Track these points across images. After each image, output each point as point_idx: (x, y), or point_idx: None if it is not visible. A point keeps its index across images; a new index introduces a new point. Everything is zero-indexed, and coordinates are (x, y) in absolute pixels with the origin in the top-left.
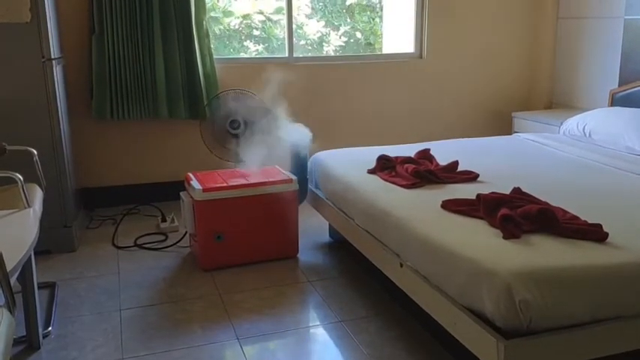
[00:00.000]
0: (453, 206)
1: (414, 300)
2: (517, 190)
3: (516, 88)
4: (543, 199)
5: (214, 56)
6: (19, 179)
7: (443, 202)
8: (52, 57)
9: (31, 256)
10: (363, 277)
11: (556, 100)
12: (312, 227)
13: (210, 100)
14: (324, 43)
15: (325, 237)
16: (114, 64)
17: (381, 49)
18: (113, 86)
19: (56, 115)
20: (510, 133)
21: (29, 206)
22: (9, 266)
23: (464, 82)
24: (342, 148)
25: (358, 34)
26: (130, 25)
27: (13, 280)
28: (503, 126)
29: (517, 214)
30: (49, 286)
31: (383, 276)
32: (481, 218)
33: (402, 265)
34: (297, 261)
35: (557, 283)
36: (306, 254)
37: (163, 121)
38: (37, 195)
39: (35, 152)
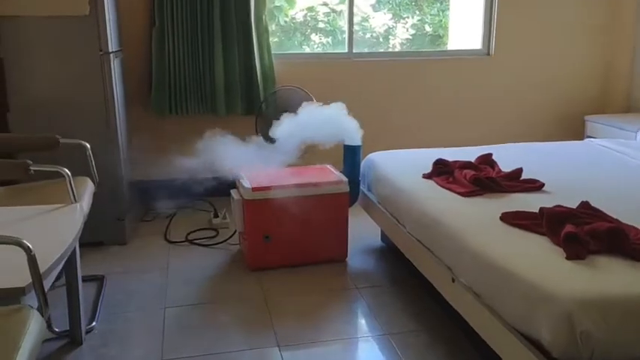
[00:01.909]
0: (512, 219)
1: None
2: (585, 205)
3: (591, 90)
4: (614, 216)
5: (273, 52)
6: (67, 174)
7: (502, 214)
8: (110, 50)
9: (75, 249)
10: (414, 287)
11: (635, 104)
12: (364, 230)
13: (267, 96)
14: (390, 37)
15: (377, 241)
16: (173, 58)
17: (446, 44)
18: (172, 81)
19: (112, 108)
20: (582, 138)
21: (76, 201)
22: (44, 266)
23: (533, 82)
24: (398, 149)
25: (427, 27)
26: (190, 19)
27: (51, 279)
28: (574, 130)
29: (583, 231)
30: (98, 280)
31: (435, 288)
32: (543, 234)
33: (454, 281)
34: (346, 265)
35: (625, 314)
36: (356, 259)
37: (221, 117)
38: (88, 189)
39: (88, 146)
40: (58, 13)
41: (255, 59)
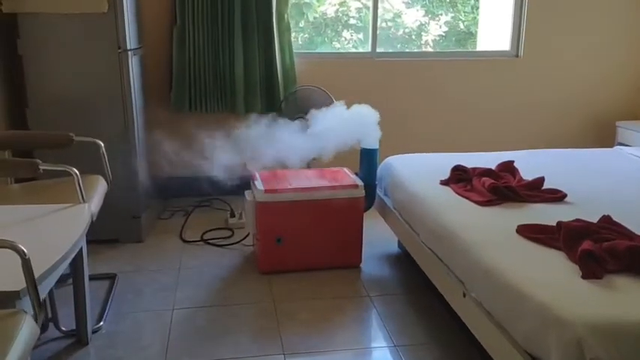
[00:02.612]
0: (528, 232)
1: None
2: (606, 219)
3: (623, 95)
4: (637, 232)
5: (297, 50)
6: (75, 173)
7: (518, 226)
8: (129, 48)
9: (82, 249)
10: (428, 297)
11: None
12: (380, 236)
13: (287, 95)
14: (422, 33)
15: (393, 247)
16: (194, 56)
17: (476, 42)
18: (192, 78)
19: (130, 106)
20: (613, 145)
21: (84, 201)
22: (40, 270)
23: (563, 85)
24: (420, 152)
25: (461, 25)
26: (211, 18)
27: (49, 283)
28: (605, 136)
29: (601, 249)
30: (110, 278)
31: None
32: (560, 249)
33: (465, 295)
34: (360, 271)
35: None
36: (370, 265)
37: (240, 115)
38: (99, 188)
39: (102, 144)
40: (77, 10)
41: (276, 58)
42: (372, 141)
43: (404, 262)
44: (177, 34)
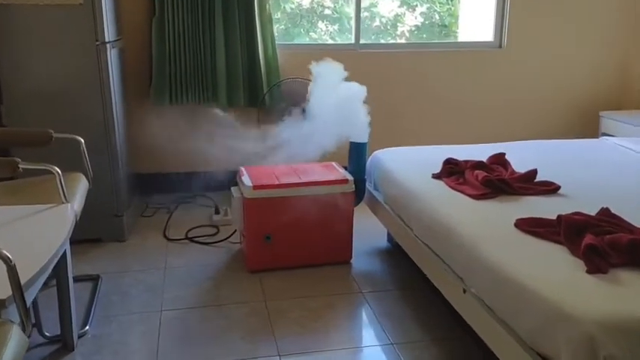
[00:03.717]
0: (527, 226)
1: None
2: (605, 212)
3: (606, 85)
4: (636, 224)
5: (278, 41)
6: (57, 172)
7: (517, 220)
8: (107, 40)
9: (66, 252)
10: (422, 292)
11: None
12: (369, 230)
13: (271, 87)
14: (398, 24)
15: (383, 241)
16: (174, 49)
17: (456, 33)
18: (172, 71)
19: (109, 100)
20: (597, 135)
21: (67, 201)
22: (26, 276)
23: (546, 76)
24: (405, 145)
25: (436, 16)
26: (191, 8)
27: (35, 289)
28: (588, 126)
29: (603, 242)
30: (93, 280)
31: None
32: (560, 243)
33: (465, 291)
34: (350, 267)
35: None
36: (361, 260)
37: (223, 108)
38: (81, 187)
39: (82, 141)
40: (52, 1)
41: (258, 49)
42: (362, 134)
43: (394, 256)
44: (156, 25)
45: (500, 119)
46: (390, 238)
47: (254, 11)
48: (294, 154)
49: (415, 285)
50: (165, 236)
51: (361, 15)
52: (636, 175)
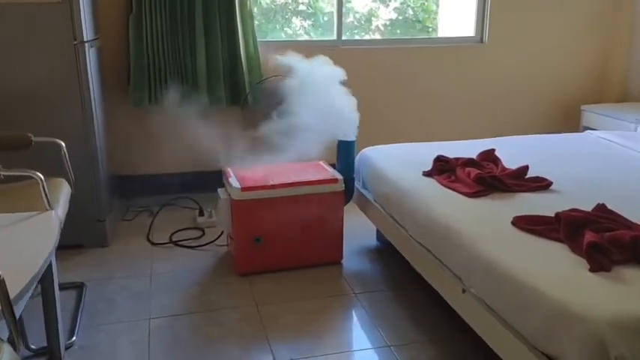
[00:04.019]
0: (526, 224)
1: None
2: (601, 208)
3: (586, 79)
4: (631, 219)
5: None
6: (40, 179)
7: (514, 218)
8: (85, 39)
9: (51, 262)
10: (416, 292)
11: (630, 93)
12: (358, 228)
13: (255, 86)
14: (372, 18)
15: (372, 240)
16: (152, 47)
17: (433, 27)
18: (151, 70)
19: (89, 101)
20: (578, 128)
21: (51, 208)
22: (15, 290)
23: (528, 70)
24: (391, 142)
25: (410, 11)
26: (169, 4)
27: (23, 302)
28: (570, 120)
29: (604, 239)
30: (77, 287)
31: (440, 294)
32: (559, 241)
33: (464, 291)
34: (341, 268)
35: None
36: (351, 260)
37: (204, 108)
38: (63, 192)
39: (63, 144)
40: None
41: (239, 47)
42: (351, 132)
43: (384, 255)
44: (133, 23)
45: (483, 114)
46: (379, 237)
47: (234, 7)
48: (279, 154)
49: (407, 284)
50: (149, 240)
51: (328, 10)
52: (625, 169)
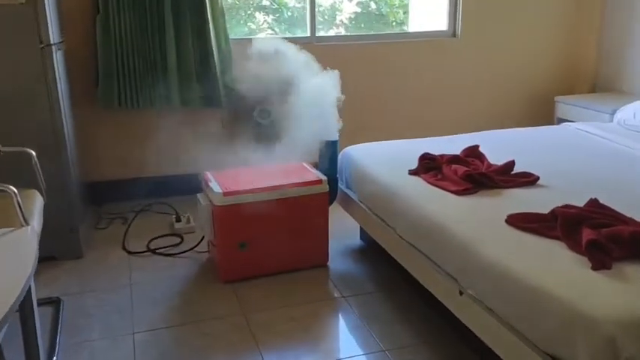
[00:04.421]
0: (521, 222)
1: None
2: (594, 203)
3: (558, 71)
4: (626, 214)
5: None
6: (14, 192)
7: (508, 217)
8: (52, 42)
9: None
10: (404, 293)
11: (600, 84)
12: (341, 229)
13: (229, 85)
14: (337, 12)
15: (356, 240)
16: (120, 48)
17: (397, 21)
18: (120, 71)
19: (58, 107)
20: (552, 119)
21: (27, 224)
22: None
23: (501, 63)
24: (368, 139)
25: (373, 5)
26: (137, 4)
27: (4, 330)
28: (544, 112)
29: (602, 235)
30: (54, 303)
31: (428, 290)
32: (555, 238)
33: (461, 293)
34: (328, 270)
35: None
36: (337, 262)
37: (176, 110)
38: (37, 204)
39: (34, 154)
40: None
41: (212, 45)
42: (333, 131)
43: (369, 255)
44: (100, 23)
45: (457, 108)
46: (363, 237)
47: (205, 4)
48: (258, 155)
49: (395, 285)
50: (125, 249)
51: (293, 5)
52: (607, 161)
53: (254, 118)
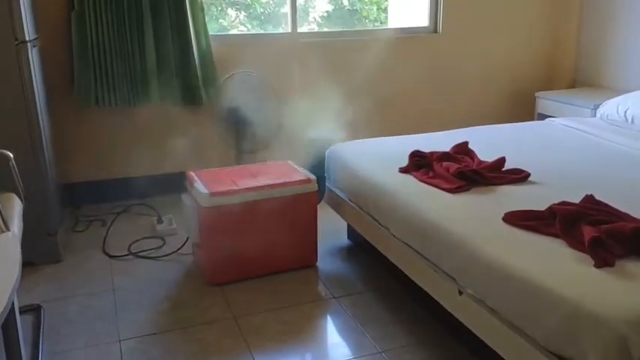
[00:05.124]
0: (518, 220)
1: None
2: (590, 199)
3: (538, 66)
4: (621, 209)
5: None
6: None
7: (505, 215)
8: (27, 39)
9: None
10: (395, 292)
11: (580, 78)
12: (328, 228)
13: (210, 83)
14: (310, 9)
15: (343, 239)
16: (97, 44)
17: (370, 18)
18: (97, 69)
19: (34, 106)
20: (533, 115)
21: (7, 229)
22: None
23: (482, 60)
24: (352, 137)
25: (345, 1)
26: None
27: None
28: (524, 107)
29: (602, 232)
30: (34, 310)
31: (420, 289)
32: (554, 235)
33: (461, 293)
34: (317, 271)
35: None
36: (326, 262)
37: (156, 108)
38: (16, 208)
39: (11, 156)
40: None
41: (191, 42)
42: (320, 129)
43: (358, 254)
44: (76, 20)
45: (439, 104)
46: (350, 235)
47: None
48: (243, 154)
49: (385, 284)
50: (105, 253)
51: (266, 2)
52: (595, 157)
53: (235, 115)
